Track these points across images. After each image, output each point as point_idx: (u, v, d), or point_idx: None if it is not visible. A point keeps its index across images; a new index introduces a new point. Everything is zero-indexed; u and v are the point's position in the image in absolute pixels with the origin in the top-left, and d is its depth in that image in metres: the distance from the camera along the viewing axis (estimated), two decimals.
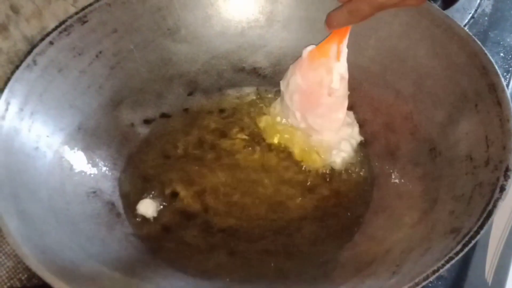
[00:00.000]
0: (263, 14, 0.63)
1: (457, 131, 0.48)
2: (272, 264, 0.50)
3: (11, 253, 0.52)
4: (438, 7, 0.55)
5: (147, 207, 0.53)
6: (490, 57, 0.48)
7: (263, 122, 0.60)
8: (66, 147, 0.52)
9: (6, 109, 0.47)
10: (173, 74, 0.62)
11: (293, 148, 0.58)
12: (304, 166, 0.57)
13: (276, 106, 0.61)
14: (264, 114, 0.61)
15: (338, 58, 0.51)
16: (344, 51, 0.51)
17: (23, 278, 0.51)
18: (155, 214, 0.53)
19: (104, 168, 0.55)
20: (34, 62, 0.50)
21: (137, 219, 0.53)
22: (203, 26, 0.62)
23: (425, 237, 0.43)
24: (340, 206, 0.54)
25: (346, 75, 0.53)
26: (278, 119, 0.60)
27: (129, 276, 0.44)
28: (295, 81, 0.54)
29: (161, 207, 0.54)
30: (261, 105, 0.62)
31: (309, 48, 0.54)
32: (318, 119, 0.56)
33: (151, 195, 0.54)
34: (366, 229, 0.51)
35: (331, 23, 0.48)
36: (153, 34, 0.60)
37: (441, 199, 0.46)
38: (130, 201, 0.54)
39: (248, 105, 0.63)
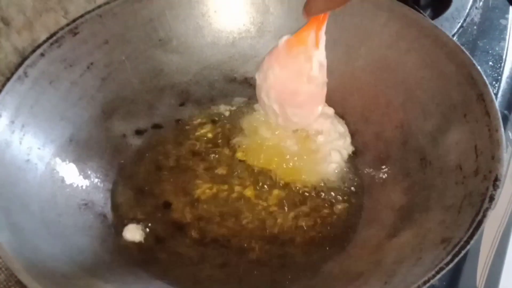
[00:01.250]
0: (254, 25, 0.64)
1: (447, 140, 0.49)
2: (265, 275, 0.50)
3: (3, 266, 0.52)
4: (427, 17, 0.55)
5: (134, 233, 0.52)
6: (479, 67, 0.48)
7: (243, 151, 0.60)
8: (58, 159, 0.52)
9: None
10: (165, 84, 0.62)
11: (279, 171, 0.58)
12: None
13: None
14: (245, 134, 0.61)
15: (317, 45, 0.50)
16: (323, 38, 0.50)
17: None
18: (143, 237, 0.52)
19: (95, 180, 0.55)
20: (25, 74, 0.50)
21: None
22: (194, 36, 0.62)
23: (416, 247, 0.43)
24: (332, 217, 0.54)
25: (325, 63, 0.52)
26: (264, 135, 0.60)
27: None
28: (273, 73, 0.53)
29: (147, 230, 0.53)
30: (252, 115, 0.62)
31: (285, 37, 0.53)
32: (297, 109, 0.55)
33: (134, 220, 0.54)
34: (358, 239, 0.51)
35: (309, 10, 0.46)
36: (145, 45, 0.60)
37: (432, 209, 0.46)
38: (122, 213, 0.54)
39: (239, 116, 0.63)
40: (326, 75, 0.53)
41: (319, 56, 0.51)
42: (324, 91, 0.55)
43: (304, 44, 0.51)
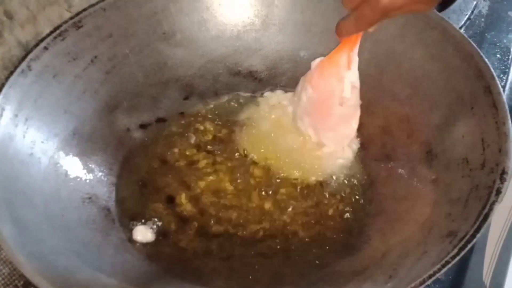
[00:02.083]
0: (258, 18, 0.63)
1: (453, 133, 0.48)
2: (268, 268, 0.49)
3: (7, 259, 0.52)
4: (434, 9, 0.55)
5: (144, 234, 0.52)
6: (486, 60, 0.48)
7: (248, 145, 0.59)
8: (61, 153, 0.52)
9: (1, 115, 0.47)
10: (169, 78, 0.62)
11: (284, 165, 0.57)
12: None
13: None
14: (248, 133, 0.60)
15: (349, 66, 0.51)
16: (355, 59, 0.51)
17: (19, 284, 0.51)
18: (154, 237, 0.52)
19: (99, 174, 0.54)
20: (29, 67, 0.50)
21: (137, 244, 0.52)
22: (198, 30, 0.62)
23: (421, 241, 0.43)
24: (337, 210, 0.53)
25: (358, 84, 0.52)
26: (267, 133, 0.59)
27: (125, 283, 0.44)
28: (306, 94, 0.54)
29: (152, 225, 0.53)
30: (256, 109, 0.62)
31: (318, 60, 0.53)
32: (330, 132, 0.56)
33: (139, 219, 0.53)
34: (363, 233, 0.51)
35: (340, 31, 0.47)
36: (149, 39, 0.60)
37: (438, 202, 0.45)
38: (126, 207, 0.54)
39: (244, 109, 0.62)
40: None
41: (351, 77, 0.51)
42: (357, 114, 0.55)
43: (336, 65, 0.51)
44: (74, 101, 0.54)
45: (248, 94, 0.64)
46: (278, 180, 0.56)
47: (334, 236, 0.51)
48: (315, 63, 0.53)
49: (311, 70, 0.54)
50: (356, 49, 0.50)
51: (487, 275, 0.51)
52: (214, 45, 0.63)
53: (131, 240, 0.51)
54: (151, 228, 0.52)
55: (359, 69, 0.58)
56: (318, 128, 0.56)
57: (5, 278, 0.51)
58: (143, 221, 0.53)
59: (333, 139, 0.56)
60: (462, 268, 0.51)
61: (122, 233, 0.51)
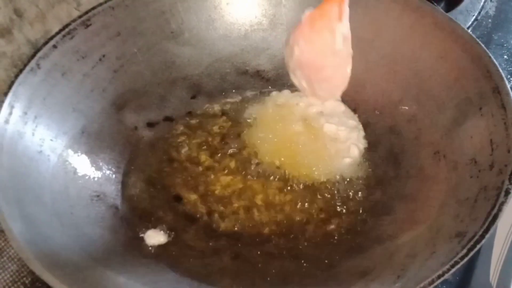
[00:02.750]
0: (266, 17, 0.63)
1: (462, 134, 0.48)
2: (276, 268, 0.49)
3: (15, 256, 0.52)
4: (441, 10, 0.55)
5: (157, 238, 0.51)
6: (494, 60, 0.48)
7: (255, 144, 0.59)
8: (70, 151, 0.52)
9: (10, 113, 0.47)
10: (177, 77, 0.62)
11: (291, 165, 0.57)
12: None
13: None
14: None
15: (340, 18, 0.50)
16: (346, 11, 0.50)
17: (27, 281, 0.52)
18: (166, 239, 0.52)
19: (107, 172, 0.55)
20: (38, 65, 0.50)
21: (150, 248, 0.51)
22: (206, 29, 0.62)
23: (429, 241, 0.43)
24: (344, 210, 0.53)
25: (349, 35, 0.52)
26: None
27: (132, 280, 0.44)
28: (299, 48, 0.53)
29: (163, 226, 0.53)
30: (263, 109, 0.62)
31: (307, 12, 0.53)
32: (324, 83, 0.56)
33: (150, 222, 0.53)
34: (370, 233, 0.51)
35: None
36: (157, 38, 0.60)
37: (446, 202, 0.45)
38: (133, 205, 0.54)
39: (251, 109, 0.63)
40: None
41: (343, 29, 0.51)
42: (349, 64, 0.55)
43: (327, 17, 0.50)
44: (82, 99, 0.54)
45: (255, 94, 0.64)
46: (286, 179, 0.56)
47: (342, 235, 0.51)
48: (305, 14, 0.53)
49: (301, 23, 0.53)
50: (347, 0, 0.50)
51: (494, 276, 0.51)
52: (222, 44, 0.63)
53: (139, 238, 0.51)
54: (161, 230, 0.52)
55: (367, 69, 0.59)
56: (311, 80, 0.56)
57: (13, 275, 0.52)
58: (152, 220, 0.53)
59: (327, 89, 0.57)
60: (469, 270, 0.51)
61: (130, 231, 0.51)
